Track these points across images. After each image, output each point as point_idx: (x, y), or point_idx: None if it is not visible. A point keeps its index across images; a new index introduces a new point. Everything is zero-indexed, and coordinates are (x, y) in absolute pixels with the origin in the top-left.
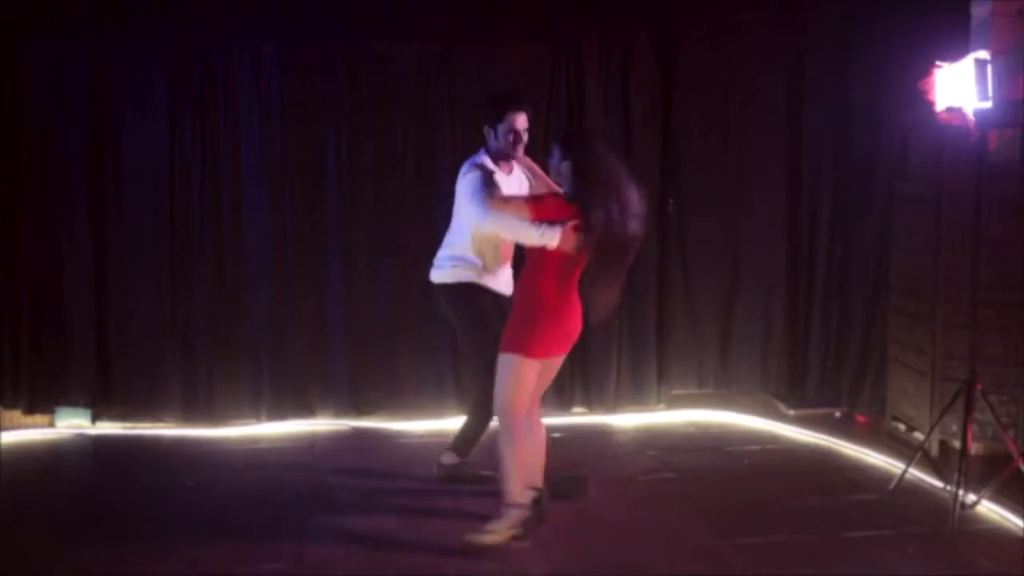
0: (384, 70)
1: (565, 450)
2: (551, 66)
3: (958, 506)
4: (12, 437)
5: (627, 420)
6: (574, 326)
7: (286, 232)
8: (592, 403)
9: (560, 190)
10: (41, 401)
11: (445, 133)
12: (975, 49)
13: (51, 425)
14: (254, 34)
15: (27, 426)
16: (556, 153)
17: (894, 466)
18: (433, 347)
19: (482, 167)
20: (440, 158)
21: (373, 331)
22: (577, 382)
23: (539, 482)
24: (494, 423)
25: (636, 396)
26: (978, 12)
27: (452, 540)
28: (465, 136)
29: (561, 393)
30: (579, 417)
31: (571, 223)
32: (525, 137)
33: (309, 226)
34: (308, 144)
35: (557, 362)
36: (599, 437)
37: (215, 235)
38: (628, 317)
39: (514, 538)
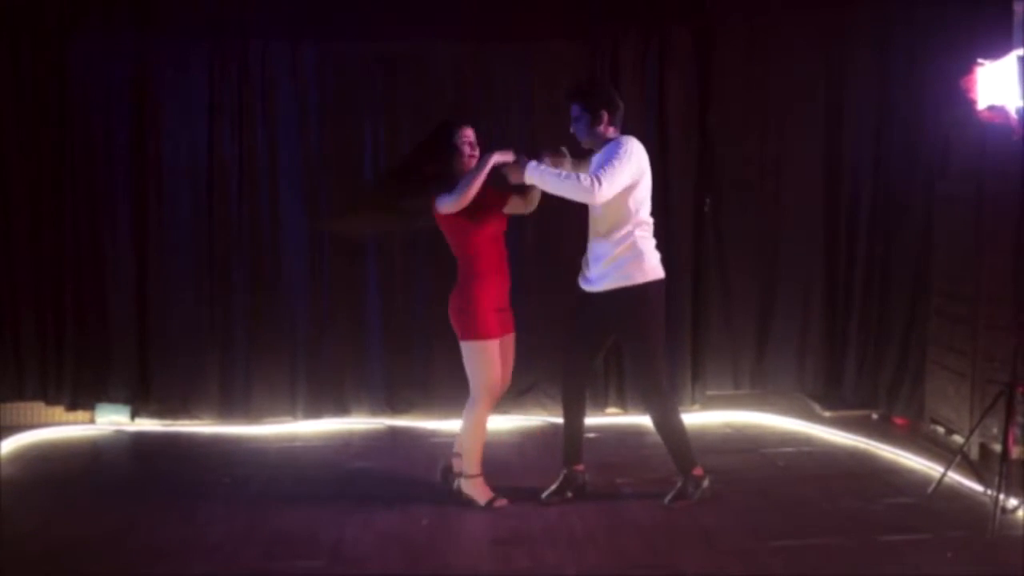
0: (420, 69)
1: (599, 451)
2: (587, 64)
3: (998, 511)
4: (54, 433)
5: None
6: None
7: (323, 231)
8: (626, 403)
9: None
10: (82, 398)
11: (482, 131)
12: (1018, 47)
13: (91, 422)
14: (291, 34)
15: (68, 422)
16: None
17: (933, 469)
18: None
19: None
20: None
21: (409, 330)
22: (611, 383)
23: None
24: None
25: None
26: (1020, 9)
27: (486, 539)
28: (501, 134)
29: (595, 394)
30: (613, 417)
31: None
32: None
33: None
34: (345, 144)
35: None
36: (633, 438)
37: (253, 235)
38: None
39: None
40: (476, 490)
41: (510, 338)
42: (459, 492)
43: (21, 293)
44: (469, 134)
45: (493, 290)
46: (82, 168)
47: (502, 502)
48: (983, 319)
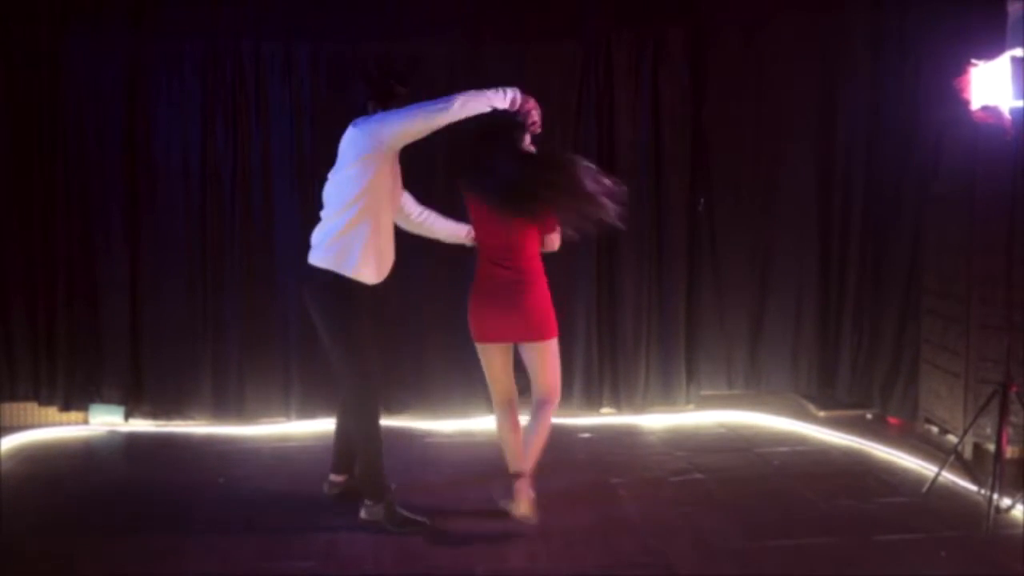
0: (414, 69)
1: (594, 450)
2: (581, 64)
3: (992, 510)
4: (47, 434)
5: (656, 421)
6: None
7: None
8: (621, 403)
9: None
10: (76, 399)
11: None
12: (1011, 47)
13: (85, 422)
14: (284, 35)
15: (62, 423)
16: None
17: (927, 469)
18: (461, 345)
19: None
20: None
21: (402, 330)
22: (606, 382)
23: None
24: None
25: (665, 397)
26: (1014, 9)
27: (481, 538)
28: None
29: (590, 393)
30: (608, 418)
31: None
32: None
33: None
34: (338, 143)
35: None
36: (628, 438)
37: (246, 234)
38: (657, 317)
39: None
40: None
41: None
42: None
43: (13, 293)
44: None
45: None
46: (75, 167)
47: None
48: (976, 319)
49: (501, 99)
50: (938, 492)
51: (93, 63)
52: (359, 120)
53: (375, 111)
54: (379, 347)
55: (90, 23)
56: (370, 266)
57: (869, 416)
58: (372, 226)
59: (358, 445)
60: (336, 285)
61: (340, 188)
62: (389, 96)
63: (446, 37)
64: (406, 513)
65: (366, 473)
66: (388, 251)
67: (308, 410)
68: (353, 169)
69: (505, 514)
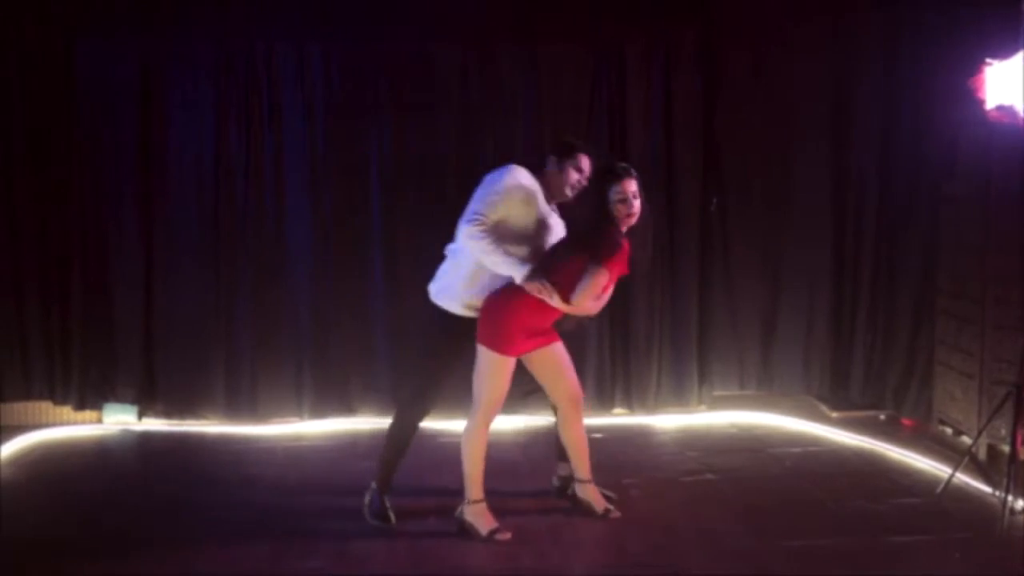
0: (426, 70)
1: (606, 450)
2: (593, 70)
3: (1006, 512)
4: (61, 433)
5: (668, 421)
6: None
7: (329, 231)
8: (633, 404)
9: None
10: (90, 398)
11: (487, 133)
12: None
13: (99, 421)
14: (297, 35)
15: (76, 422)
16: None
17: (940, 470)
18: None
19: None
20: (481, 158)
21: (414, 331)
22: (618, 383)
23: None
24: None
25: (677, 397)
26: None
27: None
28: (506, 136)
29: (602, 394)
30: (620, 418)
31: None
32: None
33: (352, 225)
34: (351, 143)
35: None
36: (640, 438)
37: (259, 234)
38: (669, 318)
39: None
40: (479, 518)
41: (552, 348)
42: (459, 519)
43: (28, 293)
44: (628, 187)
45: (533, 310)
46: (89, 168)
47: (505, 535)
48: (990, 319)
49: (520, 274)
50: (952, 494)
51: (106, 64)
52: (495, 181)
53: (556, 166)
54: (453, 370)
55: (103, 25)
56: (455, 300)
57: (882, 417)
58: (467, 266)
59: (388, 432)
60: (431, 307)
61: None
62: (570, 154)
63: (458, 39)
64: (388, 509)
65: (380, 459)
66: (475, 292)
67: (320, 410)
68: None
69: (515, 513)
